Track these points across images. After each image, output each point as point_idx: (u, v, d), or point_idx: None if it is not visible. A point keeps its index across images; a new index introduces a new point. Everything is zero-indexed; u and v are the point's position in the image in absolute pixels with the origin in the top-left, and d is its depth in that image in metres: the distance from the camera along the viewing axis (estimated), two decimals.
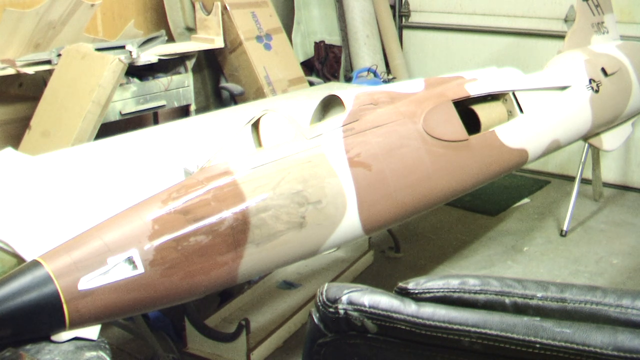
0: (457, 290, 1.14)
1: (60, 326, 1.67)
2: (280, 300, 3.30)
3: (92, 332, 1.73)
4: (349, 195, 2.22)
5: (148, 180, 2.23)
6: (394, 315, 1.10)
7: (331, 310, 1.13)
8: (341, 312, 1.13)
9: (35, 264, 1.69)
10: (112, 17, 4.37)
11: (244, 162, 2.07)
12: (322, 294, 1.16)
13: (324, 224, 2.16)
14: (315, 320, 1.17)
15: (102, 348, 1.71)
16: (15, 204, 2.17)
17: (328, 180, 2.17)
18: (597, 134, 3.80)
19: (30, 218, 2.09)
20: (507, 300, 1.11)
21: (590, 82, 3.53)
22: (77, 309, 1.67)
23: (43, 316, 1.64)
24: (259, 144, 2.27)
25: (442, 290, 1.15)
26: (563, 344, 0.99)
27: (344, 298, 1.13)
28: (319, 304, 1.16)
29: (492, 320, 1.05)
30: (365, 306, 1.12)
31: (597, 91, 3.53)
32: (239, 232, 1.93)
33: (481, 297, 1.12)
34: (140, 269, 1.76)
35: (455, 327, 1.06)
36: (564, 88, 3.37)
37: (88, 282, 1.69)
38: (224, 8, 4.59)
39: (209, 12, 4.60)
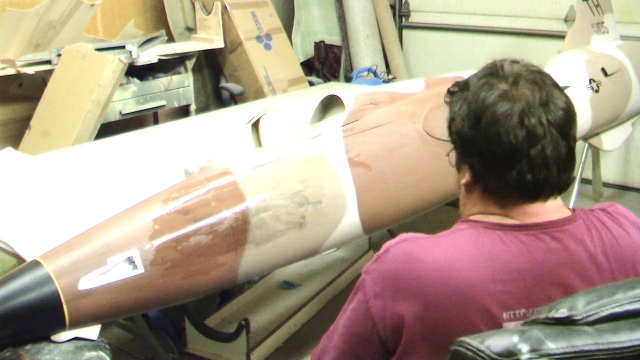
0: (624, 302, 1.05)
1: (60, 326, 1.67)
2: (280, 300, 3.30)
3: (92, 332, 1.73)
4: (349, 195, 2.22)
5: (148, 180, 2.23)
6: (589, 347, 0.98)
7: None
8: None
9: (35, 264, 1.69)
10: (112, 17, 4.37)
11: (244, 162, 2.07)
12: (483, 351, 1.01)
13: (324, 224, 2.16)
14: None
15: (102, 348, 1.71)
16: (15, 204, 2.16)
17: (328, 180, 2.17)
18: (597, 133, 3.80)
19: (30, 218, 2.08)
20: None
21: (590, 82, 3.53)
22: (77, 309, 1.67)
23: (43, 316, 1.64)
24: (259, 144, 2.27)
25: (606, 307, 1.05)
26: None
27: (523, 347, 0.99)
28: None
29: None
30: (552, 349, 0.98)
31: (597, 91, 3.53)
32: (239, 232, 1.93)
33: None
34: (140, 269, 1.76)
35: None
36: (563, 88, 3.37)
37: (88, 282, 1.69)
38: (224, 8, 4.59)
39: (209, 12, 4.60)
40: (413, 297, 1.23)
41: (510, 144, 1.24)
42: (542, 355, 0.97)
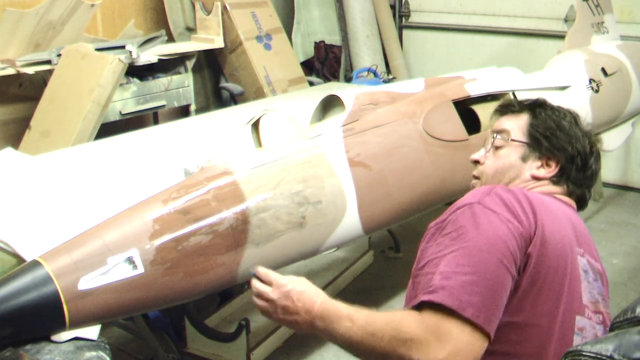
0: None
1: (60, 326, 1.67)
2: None
3: (92, 332, 1.73)
4: (349, 195, 2.22)
5: (148, 180, 2.23)
6: None
7: None
8: None
9: (35, 264, 1.69)
10: (112, 17, 4.37)
11: (244, 162, 2.07)
12: (611, 356, 1.11)
13: (324, 224, 2.16)
14: None
15: (102, 348, 1.71)
16: (15, 204, 2.16)
17: (328, 180, 2.17)
18: (597, 133, 3.80)
19: (30, 218, 2.08)
20: None
21: (590, 82, 3.53)
22: (77, 309, 1.67)
23: (43, 316, 1.64)
24: (259, 144, 2.27)
25: None
26: None
27: None
28: None
29: None
30: None
31: (597, 91, 3.53)
32: (239, 232, 1.93)
33: None
34: (140, 269, 1.76)
35: None
36: (564, 88, 3.37)
37: (88, 282, 1.68)
38: (224, 8, 4.59)
39: (209, 12, 4.60)
40: (536, 213, 1.46)
41: (596, 177, 1.76)
42: None
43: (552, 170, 1.69)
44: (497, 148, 1.75)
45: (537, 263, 1.42)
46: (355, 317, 1.43)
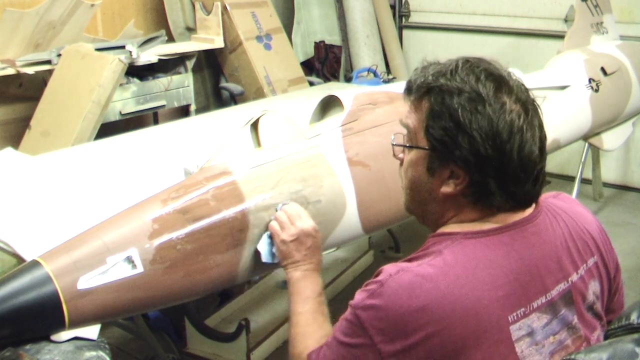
0: None
1: (60, 326, 1.67)
2: (280, 300, 3.30)
3: (92, 331, 1.73)
4: (348, 195, 2.22)
5: (148, 180, 2.23)
6: None
7: None
8: None
9: (35, 263, 1.69)
10: (112, 17, 4.37)
11: (243, 162, 2.07)
12: None
13: (323, 224, 2.15)
14: None
15: (102, 348, 1.71)
16: (15, 204, 2.17)
17: (327, 179, 2.16)
18: (597, 133, 3.80)
19: (30, 218, 2.09)
20: None
21: (589, 82, 3.53)
22: (77, 309, 1.67)
23: (42, 316, 1.64)
24: (258, 144, 2.27)
25: None
26: None
27: None
28: None
29: None
30: None
31: (596, 91, 3.53)
32: (238, 231, 1.93)
33: None
34: (140, 269, 1.76)
35: None
36: (563, 87, 3.37)
37: (87, 281, 1.68)
38: (224, 8, 4.59)
39: (209, 12, 4.61)
40: (424, 327, 1.23)
41: (533, 161, 1.28)
42: None
43: (460, 182, 1.30)
44: (409, 147, 1.42)
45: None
46: (306, 307, 1.66)
